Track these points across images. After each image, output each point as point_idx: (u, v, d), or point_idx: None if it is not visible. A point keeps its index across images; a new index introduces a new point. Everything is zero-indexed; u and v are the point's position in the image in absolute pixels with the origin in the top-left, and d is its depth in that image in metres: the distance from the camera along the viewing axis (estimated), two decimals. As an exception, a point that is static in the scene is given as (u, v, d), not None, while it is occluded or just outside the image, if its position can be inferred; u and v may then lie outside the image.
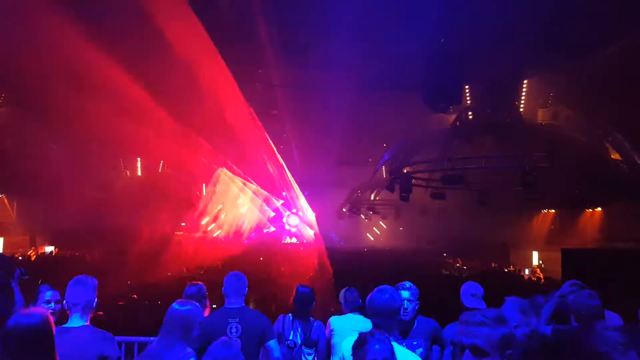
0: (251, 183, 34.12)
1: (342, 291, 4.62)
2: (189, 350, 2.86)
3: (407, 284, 3.81)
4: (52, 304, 3.74)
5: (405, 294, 3.70)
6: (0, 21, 12.38)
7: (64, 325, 3.06)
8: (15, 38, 13.45)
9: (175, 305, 2.94)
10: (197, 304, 3.03)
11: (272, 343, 3.81)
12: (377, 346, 2.41)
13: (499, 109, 13.91)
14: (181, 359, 2.80)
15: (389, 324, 2.99)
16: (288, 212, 39.86)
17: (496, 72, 13.27)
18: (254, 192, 36.73)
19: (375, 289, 3.13)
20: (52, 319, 2.62)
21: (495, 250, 26.12)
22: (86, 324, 3.11)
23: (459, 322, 2.33)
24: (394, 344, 2.57)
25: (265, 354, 3.90)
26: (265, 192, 37.29)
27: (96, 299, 3.22)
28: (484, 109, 14.08)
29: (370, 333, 2.51)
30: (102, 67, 15.04)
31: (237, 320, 3.71)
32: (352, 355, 2.52)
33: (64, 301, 3.19)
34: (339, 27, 12.84)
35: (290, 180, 35.45)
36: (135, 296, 9.36)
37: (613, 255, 12.86)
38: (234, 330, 3.68)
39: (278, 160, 30.22)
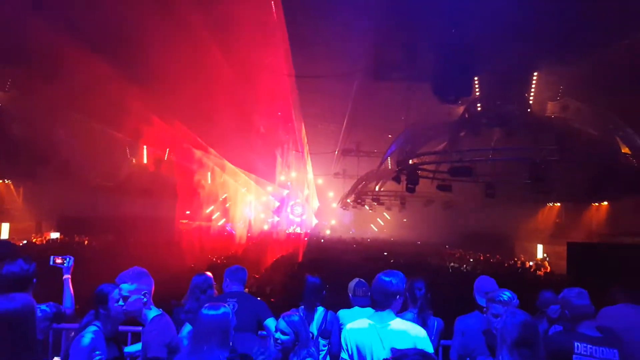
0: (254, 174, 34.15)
1: (351, 284, 4.59)
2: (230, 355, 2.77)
3: (505, 296, 3.45)
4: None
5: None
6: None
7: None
8: (21, 20, 13.31)
9: (208, 310, 2.83)
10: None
11: (270, 321, 3.95)
12: None
13: (508, 101, 13.78)
14: None
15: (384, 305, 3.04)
16: (292, 202, 39.98)
17: (506, 64, 13.13)
18: (259, 182, 36.80)
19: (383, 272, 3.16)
20: (34, 304, 2.56)
21: (500, 242, 26.13)
22: None
23: None
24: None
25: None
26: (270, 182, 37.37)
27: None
28: (493, 100, 13.94)
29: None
30: (108, 52, 14.95)
31: (235, 300, 3.97)
32: None
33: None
34: (347, 13, 12.71)
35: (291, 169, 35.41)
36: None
37: (620, 249, 12.80)
38: (231, 306, 3.81)
39: (284, 149, 30.17)
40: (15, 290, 3.31)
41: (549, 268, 20.70)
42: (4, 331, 2.36)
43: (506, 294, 3.44)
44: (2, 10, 12.12)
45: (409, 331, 2.99)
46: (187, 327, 3.88)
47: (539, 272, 19.13)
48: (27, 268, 3.65)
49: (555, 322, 3.90)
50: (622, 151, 13.96)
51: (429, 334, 3.99)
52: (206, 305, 2.89)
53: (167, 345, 3.02)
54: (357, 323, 3.15)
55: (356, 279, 4.62)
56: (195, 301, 4.35)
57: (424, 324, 4.03)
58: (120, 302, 3.09)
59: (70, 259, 4.10)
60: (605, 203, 21.33)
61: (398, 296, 3.06)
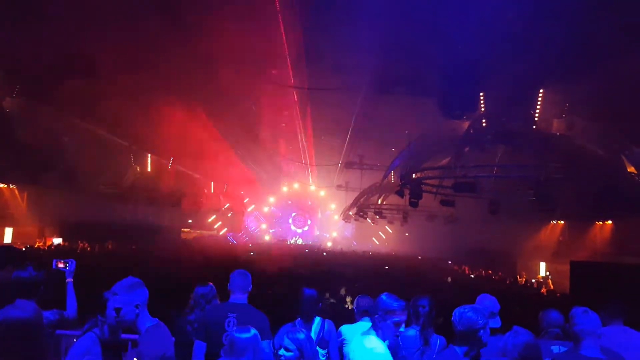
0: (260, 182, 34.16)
1: (357, 298, 4.60)
2: None
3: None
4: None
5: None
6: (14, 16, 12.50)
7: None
8: (31, 31, 13.55)
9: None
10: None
11: (264, 344, 3.67)
12: None
13: (513, 117, 13.80)
14: None
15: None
16: (294, 213, 39.95)
17: (512, 81, 13.16)
18: (262, 192, 36.81)
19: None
20: (41, 312, 2.58)
21: (502, 259, 25.92)
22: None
23: None
24: None
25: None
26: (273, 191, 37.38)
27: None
28: (499, 117, 13.96)
29: None
30: (116, 62, 15.16)
31: (236, 315, 3.76)
32: None
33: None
34: (355, 28, 12.82)
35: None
36: None
37: (624, 269, 12.62)
38: (231, 324, 3.76)
39: (288, 160, 30.18)
40: (21, 296, 3.31)
41: (552, 286, 20.49)
42: (16, 341, 2.35)
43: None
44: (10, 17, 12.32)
45: (366, 343, 3.30)
46: None
47: (541, 291, 18.94)
48: (36, 274, 3.67)
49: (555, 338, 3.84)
50: (628, 170, 13.90)
51: (431, 352, 3.94)
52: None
53: (161, 357, 2.99)
54: (355, 330, 3.69)
55: (360, 295, 4.63)
56: (200, 311, 4.34)
57: (426, 342, 3.99)
58: (113, 313, 3.09)
59: (72, 262, 4.19)
60: (610, 222, 21.16)
61: (376, 315, 3.35)
